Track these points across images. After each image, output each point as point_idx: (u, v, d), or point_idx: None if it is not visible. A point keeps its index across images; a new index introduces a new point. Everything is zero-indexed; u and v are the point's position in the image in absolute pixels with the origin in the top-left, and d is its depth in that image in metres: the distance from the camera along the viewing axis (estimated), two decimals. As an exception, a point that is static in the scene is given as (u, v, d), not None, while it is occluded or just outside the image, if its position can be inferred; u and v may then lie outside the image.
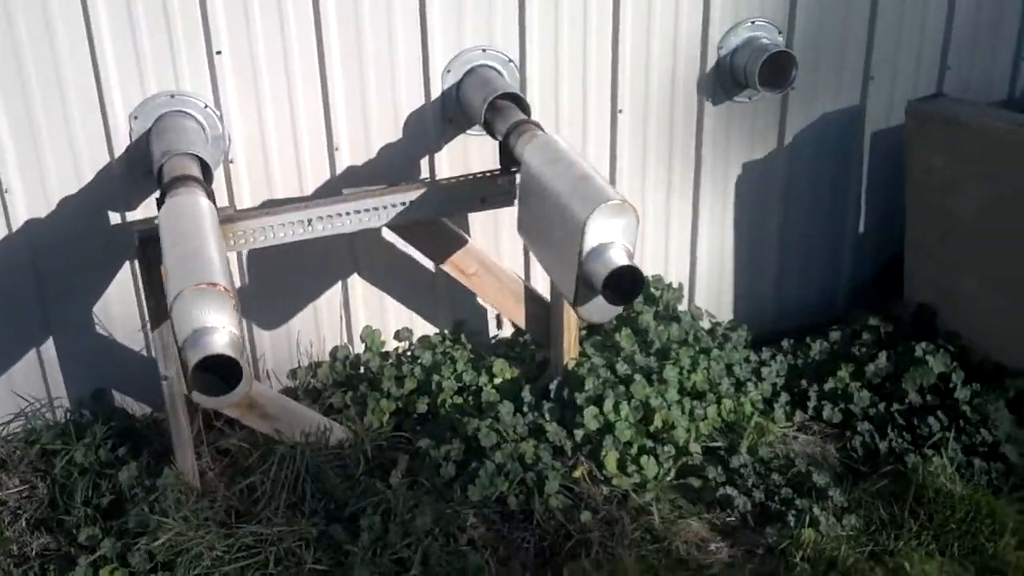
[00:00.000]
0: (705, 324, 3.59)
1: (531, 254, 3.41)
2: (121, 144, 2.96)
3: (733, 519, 2.91)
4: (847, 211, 3.73)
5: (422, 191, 2.87)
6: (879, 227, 3.77)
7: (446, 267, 3.14)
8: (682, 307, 3.61)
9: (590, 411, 3.08)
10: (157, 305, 2.77)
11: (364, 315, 3.39)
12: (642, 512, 2.88)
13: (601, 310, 2.51)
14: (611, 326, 3.42)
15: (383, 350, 3.41)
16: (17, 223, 2.96)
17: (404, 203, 2.86)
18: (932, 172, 3.37)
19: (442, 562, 2.75)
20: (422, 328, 3.47)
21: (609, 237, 2.44)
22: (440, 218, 3.01)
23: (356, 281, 3.33)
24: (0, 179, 2.90)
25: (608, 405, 3.09)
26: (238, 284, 3.19)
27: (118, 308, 3.14)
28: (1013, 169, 3.13)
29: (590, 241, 2.43)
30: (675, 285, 3.61)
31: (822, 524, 2.80)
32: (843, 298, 3.86)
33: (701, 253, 3.63)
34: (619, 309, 2.55)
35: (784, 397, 3.35)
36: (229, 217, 2.78)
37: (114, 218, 3.04)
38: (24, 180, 2.92)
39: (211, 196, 2.67)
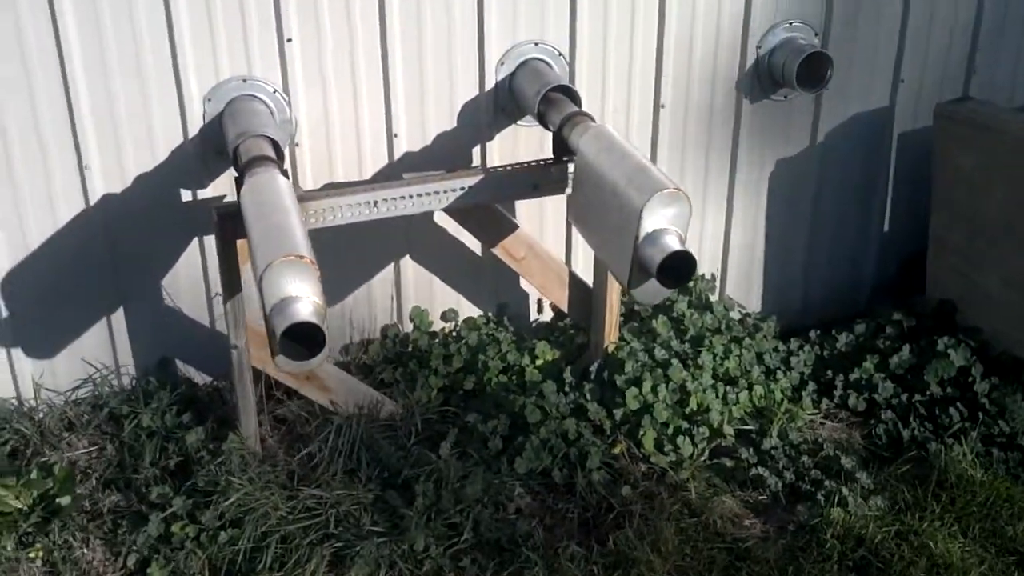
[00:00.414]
0: (735, 314, 3.76)
1: (576, 240, 3.59)
2: (195, 125, 3.12)
3: (765, 498, 3.08)
4: (874, 209, 3.89)
5: (480, 177, 3.03)
6: (903, 225, 3.93)
7: (497, 251, 3.30)
8: (714, 297, 3.77)
9: (630, 392, 3.25)
10: (231, 278, 2.93)
11: (414, 295, 3.55)
12: (679, 488, 3.05)
13: (652, 293, 2.67)
14: (647, 313, 3.59)
15: (430, 330, 3.57)
16: (95, 198, 3.12)
17: (463, 188, 3.02)
18: (959, 173, 3.53)
19: (492, 528, 2.92)
20: (467, 310, 3.63)
21: (663, 224, 2.60)
22: (495, 204, 3.17)
23: (408, 263, 3.50)
24: (80, 156, 3.06)
25: (647, 387, 3.25)
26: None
27: (186, 282, 3.30)
28: (1036, 172, 3.30)
29: (646, 227, 2.59)
30: (708, 276, 3.78)
31: (850, 504, 2.97)
32: (867, 293, 4.02)
33: (733, 246, 3.80)
34: (669, 292, 2.71)
35: (811, 386, 3.51)
36: (300, 197, 2.93)
37: (185, 196, 3.20)
38: (102, 157, 3.08)
39: (286, 175, 2.84)
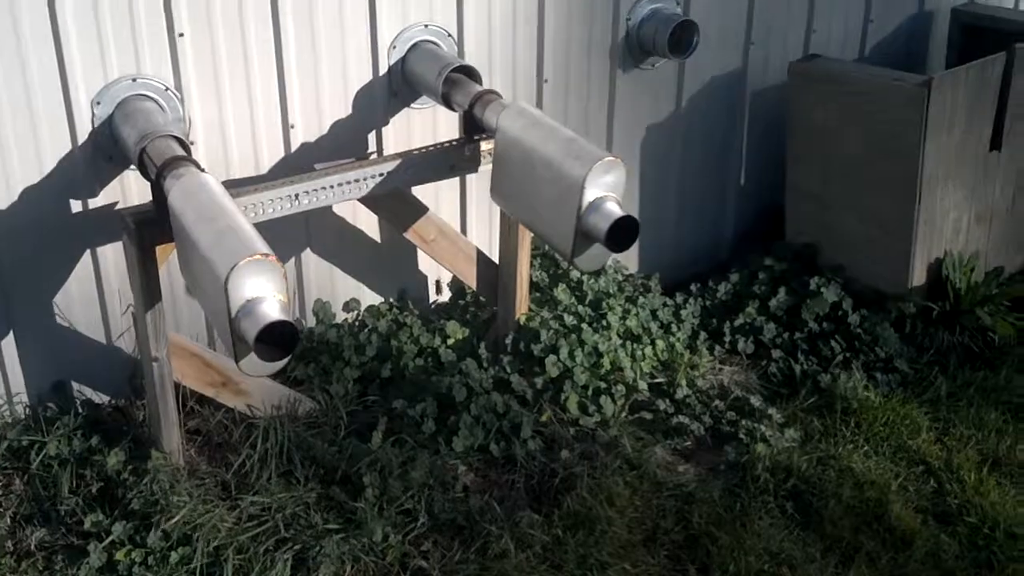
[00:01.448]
0: (619, 275, 3.91)
1: (471, 217, 3.63)
2: (84, 131, 2.93)
3: (690, 444, 3.26)
4: (731, 165, 4.15)
5: (398, 162, 3.02)
6: (758, 178, 4.21)
7: (408, 235, 3.30)
8: (600, 261, 3.92)
9: (549, 360, 3.34)
10: (149, 288, 2.79)
11: (316, 289, 3.49)
12: (612, 445, 3.17)
13: (594, 259, 2.77)
14: (545, 283, 3.69)
15: (334, 323, 3.52)
16: (-23, 216, 2.90)
17: (382, 174, 3.00)
18: (813, 124, 3.83)
19: (446, 509, 2.94)
20: (368, 298, 3.60)
21: (602, 192, 2.70)
22: (408, 188, 3.17)
23: (309, 256, 3.43)
24: (-41, 171, 2.83)
25: (564, 353, 3.35)
26: (194, 265, 3.23)
27: (78, 298, 3.11)
28: (885, 116, 3.62)
29: (588, 196, 2.68)
30: (591, 241, 3.92)
31: (770, 439, 3.19)
32: (728, 245, 4.28)
33: (612, 210, 3.94)
34: (611, 257, 2.82)
35: (703, 335, 3.73)
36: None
37: (75, 206, 3.01)
38: (-17, 171, 2.86)
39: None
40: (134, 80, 2.94)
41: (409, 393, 3.29)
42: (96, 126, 2.94)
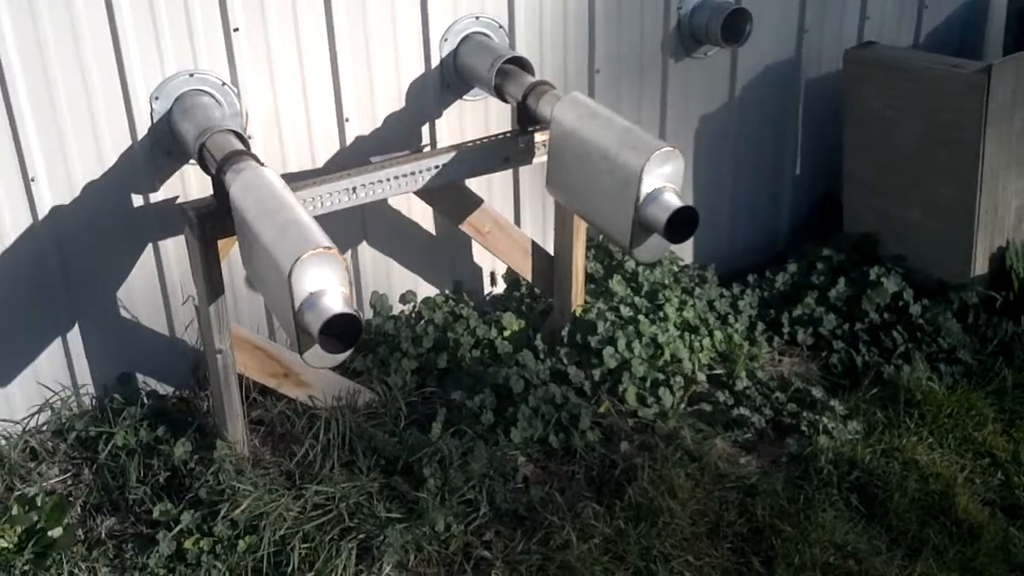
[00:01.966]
0: (675, 267, 3.89)
1: (524, 208, 3.63)
2: (143, 126, 2.97)
3: (751, 435, 3.23)
4: (786, 154, 4.11)
5: (452, 154, 3.03)
6: (813, 168, 4.17)
7: (464, 227, 3.30)
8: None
9: (607, 351, 3.33)
10: (212, 281, 2.82)
11: (372, 281, 3.51)
12: (673, 437, 3.15)
13: (653, 250, 2.76)
14: (600, 274, 3.68)
15: (391, 314, 3.54)
16: (43, 211, 2.94)
17: (438, 167, 3.01)
18: (870, 113, 3.77)
19: (507, 499, 2.95)
20: (424, 290, 3.62)
21: (660, 182, 2.69)
22: (463, 180, 3.18)
23: (365, 248, 3.45)
24: (25, 168, 2.87)
25: (621, 344, 3.34)
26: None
27: (141, 291, 3.15)
28: (944, 104, 3.56)
29: (646, 187, 2.67)
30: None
31: (833, 431, 3.16)
32: (785, 235, 4.24)
33: (667, 201, 3.92)
34: (669, 248, 2.80)
35: (761, 326, 3.69)
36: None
37: (137, 201, 3.05)
38: (49, 168, 2.90)
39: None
40: (191, 75, 2.97)
41: (467, 384, 3.29)
42: (155, 121, 2.97)
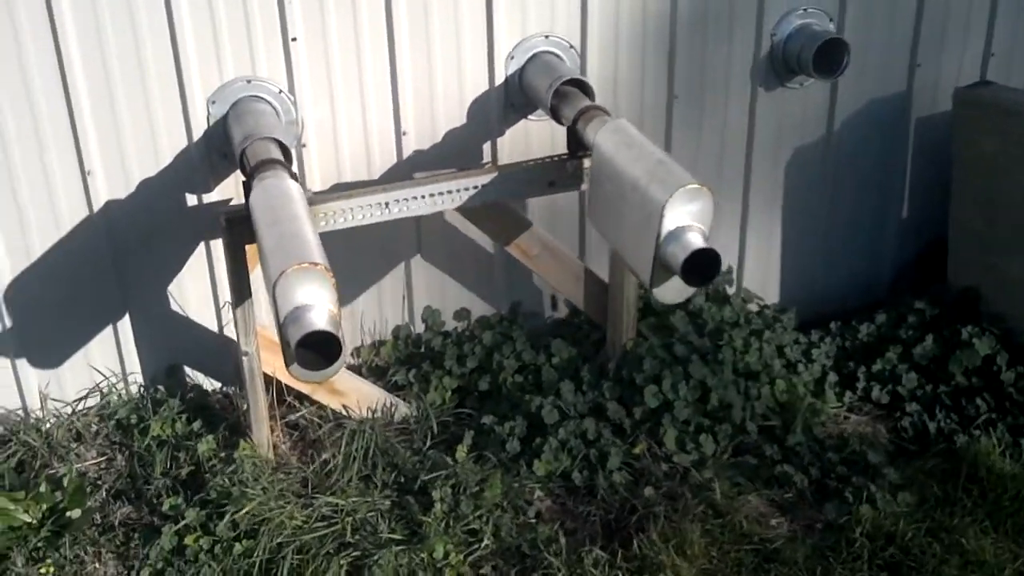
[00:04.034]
0: (754, 307, 3.69)
1: (590, 235, 3.51)
2: (199, 128, 3.04)
3: (791, 495, 3.01)
4: (892, 196, 3.82)
5: (493, 175, 2.96)
6: (922, 212, 3.86)
7: (511, 249, 3.23)
8: (731, 290, 3.70)
9: (649, 389, 3.18)
10: (240, 284, 2.86)
11: (426, 295, 3.48)
12: (703, 488, 2.98)
13: (675, 291, 2.60)
14: (664, 308, 3.52)
15: (443, 330, 3.50)
16: (98, 204, 3.06)
17: (476, 186, 2.95)
18: (981, 158, 3.46)
19: (512, 533, 2.86)
20: (480, 309, 3.56)
21: (686, 220, 2.53)
22: (507, 202, 3.10)
23: (419, 262, 3.43)
24: (82, 160, 2.99)
25: (666, 384, 3.18)
26: (305, 264, 3.29)
27: (192, 287, 3.23)
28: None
29: (668, 224, 2.52)
30: (725, 268, 3.70)
31: (878, 501, 2.90)
32: (887, 282, 3.95)
33: (750, 236, 3.72)
34: (692, 291, 2.64)
35: (833, 378, 3.44)
36: (311, 199, 2.87)
37: (191, 200, 3.13)
38: (105, 162, 3.01)
39: (295, 179, 2.77)
40: (248, 81, 3.02)
41: (502, 410, 3.22)
42: (211, 124, 3.04)
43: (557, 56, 3.25)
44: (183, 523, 2.85)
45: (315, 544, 2.80)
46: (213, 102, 3.02)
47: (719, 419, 3.20)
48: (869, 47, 3.53)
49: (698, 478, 3.02)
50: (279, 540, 2.79)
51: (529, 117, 3.30)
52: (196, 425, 3.18)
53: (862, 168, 3.73)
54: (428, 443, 3.14)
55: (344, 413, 3.23)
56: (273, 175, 2.67)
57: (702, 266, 2.50)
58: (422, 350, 3.47)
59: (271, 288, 2.31)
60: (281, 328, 2.34)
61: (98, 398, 3.29)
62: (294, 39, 3.01)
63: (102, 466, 3.15)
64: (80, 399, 3.28)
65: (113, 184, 3.05)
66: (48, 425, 3.23)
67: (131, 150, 3.02)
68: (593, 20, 3.23)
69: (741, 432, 3.19)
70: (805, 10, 3.42)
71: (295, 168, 3.13)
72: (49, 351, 3.22)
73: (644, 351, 3.28)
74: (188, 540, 2.82)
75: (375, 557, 2.75)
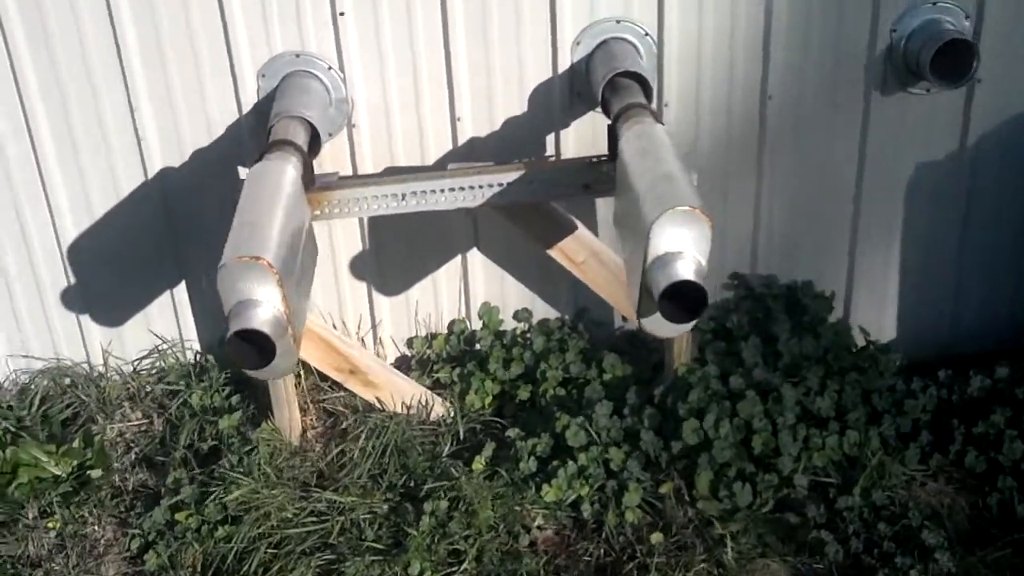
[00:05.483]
0: (860, 341, 3.24)
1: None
2: (249, 101, 3.01)
3: (820, 567, 2.62)
4: (1041, 227, 3.24)
5: (520, 173, 2.73)
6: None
7: (553, 253, 2.99)
8: (831, 319, 3.26)
9: (690, 424, 2.86)
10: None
11: (484, 291, 3.31)
12: (721, 544, 2.65)
13: (662, 325, 2.29)
14: (740, 332, 3.15)
15: (500, 328, 3.31)
16: (153, 171, 3.10)
17: (500, 184, 2.73)
18: None
19: (495, 560, 2.66)
20: (543, 311, 3.34)
21: (680, 246, 2.22)
22: (539, 202, 2.86)
23: (476, 256, 3.25)
24: (137, 128, 3.03)
25: (709, 420, 2.85)
26: (359, 249, 3.20)
27: (244, 260, 3.23)
28: None
29: (657, 247, 2.22)
30: (827, 293, 3.27)
31: (917, 588, 2.47)
32: (1031, 328, 3.37)
33: (860, 261, 3.27)
34: (683, 327, 2.32)
35: (925, 436, 2.96)
36: (326, 185, 2.77)
37: (243, 172, 3.09)
38: (160, 131, 3.05)
39: (307, 163, 2.68)
40: (297, 56, 2.95)
41: (532, 424, 3.01)
42: (260, 98, 3.00)
43: (632, 44, 2.96)
44: (177, 498, 2.86)
45: (295, 540, 2.73)
46: (263, 75, 2.98)
47: (766, 467, 2.83)
48: (1013, 52, 2.98)
49: (719, 531, 2.69)
50: (260, 530, 2.74)
51: (598, 109, 3.03)
52: (235, 399, 3.18)
53: (1002, 192, 3.18)
54: (449, 448, 2.98)
55: (378, 406, 3.13)
56: (278, 157, 2.61)
57: (690, 301, 2.18)
58: (476, 347, 3.30)
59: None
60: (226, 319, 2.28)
61: (156, 360, 3.36)
62: (342, 13, 2.91)
63: (144, 428, 3.22)
64: (140, 359, 3.37)
65: (168, 152, 3.09)
66: (107, 382, 3.33)
67: (184, 122, 3.04)
68: (672, 3, 2.91)
69: (787, 485, 2.81)
70: (935, 3, 2.92)
71: (346, 148, 3.07)
72: (112, 310, 3.33)
73: (695, 379, 2.95)
74: (180, 516, 2.83)
75: (347, 564, 2.64)
